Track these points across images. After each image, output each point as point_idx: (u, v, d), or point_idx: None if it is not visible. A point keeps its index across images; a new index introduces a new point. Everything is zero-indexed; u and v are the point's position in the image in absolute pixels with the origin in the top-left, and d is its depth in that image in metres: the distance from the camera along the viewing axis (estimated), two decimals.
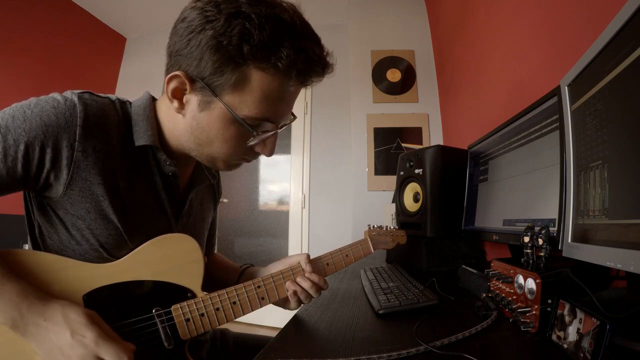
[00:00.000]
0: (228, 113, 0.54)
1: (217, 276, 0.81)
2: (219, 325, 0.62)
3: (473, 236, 1.07)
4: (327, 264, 0.70)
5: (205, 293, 0.61)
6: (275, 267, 0.71)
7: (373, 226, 0.81)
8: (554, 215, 0.64)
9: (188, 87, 0.54)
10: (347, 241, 0.77)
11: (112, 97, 0.61)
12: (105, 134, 0.55)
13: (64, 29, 2.79)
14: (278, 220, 2.94)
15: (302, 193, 2.83)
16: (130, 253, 0.58)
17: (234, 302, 0.62)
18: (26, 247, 0.60)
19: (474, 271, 0.80)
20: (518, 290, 0.56)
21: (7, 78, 2.42)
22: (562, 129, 0.62)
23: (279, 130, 0.60)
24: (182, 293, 0.60)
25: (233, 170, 0.66)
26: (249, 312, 0.64)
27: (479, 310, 0.61)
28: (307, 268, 0.67)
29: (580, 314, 0.42)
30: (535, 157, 0.75)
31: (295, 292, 0.65)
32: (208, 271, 0.65)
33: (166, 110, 0.61)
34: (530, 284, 0.52)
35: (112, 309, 0.55)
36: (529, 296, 0.53)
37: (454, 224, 1.12)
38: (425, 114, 2.42)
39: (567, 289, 0.50)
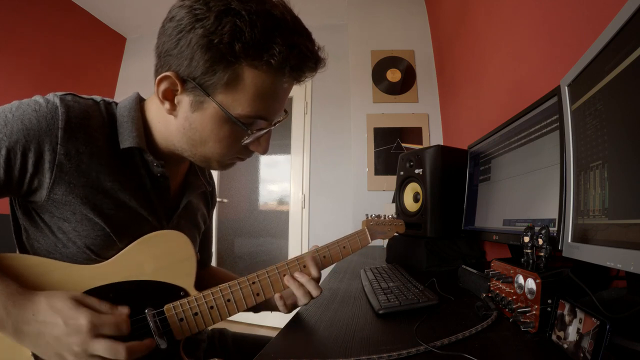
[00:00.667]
0: (221, 112, 0.54)
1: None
2: (214, 323, 0.61)
3: (473, 236, 1.07)
4: (324, 257, 0.69)
5: (198, 292, 0.61)
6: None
7: (371, 216, 0.80)
8: (554, 215, 0.64)
9: (179, 87, 0.53)
10: None
11: (97, 98, 0.60)
12: (89, 136, 0.54)
13: (64, 29, 2.79)
14: (278, 220, 2.93)
15: (302, 193, 2.83)
16: (119, 253, 0.57)
17: (229, 300, 0.61)
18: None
19: (474, 271, 0.80)
20: (518, 290, 0.56)
21: (7, 78, 2.42)
22: (562, 129, 0.62)
23: (272, 128, 0.60)
24: (174, 292, 0.59)
25: (228, 170, 0.65)
26: (244, 309, 0.63)
27: (479, 310, 0.61)
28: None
29: (580, 314, 0.42)
30: (535, 157, 0.75)
31: (300, 286, 0.64)
32: (203, 282, 0.63)
33: (156, 112, 0.60)
34: (530, 284, 0.52)
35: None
36: (529, 296, 0.53)
37: (454, 224, 1.12)
38: (425, 114, 2.42)
39: (567, 289, 0.50)
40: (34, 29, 2.57)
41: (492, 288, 0.65)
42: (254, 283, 0.63)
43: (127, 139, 0.57)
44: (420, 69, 2.49)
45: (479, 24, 1.54)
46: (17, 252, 0.58)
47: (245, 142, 0.58)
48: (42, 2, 2.61)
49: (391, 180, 2.33)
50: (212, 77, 0.51)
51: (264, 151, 0.62)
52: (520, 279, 0.55)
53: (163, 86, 0.53)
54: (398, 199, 1.28)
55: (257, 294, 0.63)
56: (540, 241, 0.55)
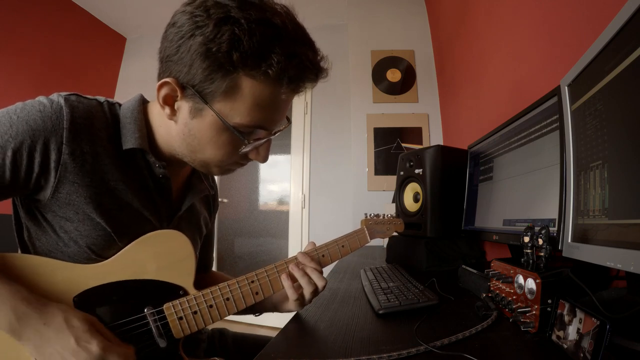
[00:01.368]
0: (219, 121, 0.53)
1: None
2: (213, 322, 0.61)
3: (473, 236, 1.07)
4: (323, 256, 0.69)
5: (197, 290, 0.61)
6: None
7: (370, 215, 0.80)
8: (554, 215, 0.64)
9: (179, 94, 0.53)
10: None
11: (101, 98, 0.60)
12: (93, 136, 0.54)
13: (64, 29, 2.79)
14: (278, 220, 2.93)
15: (302, 193, 2.83)
16: (119, 252, 0.57)
17: (228, 299, 0.62)
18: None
19: (474, 271, 0.80)
20: (518, 290, 0.56)
21: (7, 78, 2.41)
22: (562, 129, 0.62)
23: (272, 137, 0.59)
24: (174, 291, 0.60)
25: (228, 175, 0.65)
26: (243, 308, 0.63)
27: (479, 310, 0.61)
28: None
29: (580, 314, 0.42)
30: (535, 157, 0.75)
31: (297, 284, 0.63)
32: (204, 286, 0.64)
33: (158, 116, 0.61)
34: (530, 284, 0.52)
35: (103, 309, 0.55)
36: (529, 296, 0.53)
37: (454, 224, 1.12)
38: (425, 114, 2.42)
39: (567, 289, 0.50)
40: (34, 29, 2.56)
41: (492, 288, 0.65)
42: (253, 282, 0.63)
43: (129, 140, 0.58)
44: (420, 69, 2.49)
45: (479, 24, 1.54)
46: (19, 251, 0.59)
47: (243, 150, 0.58)
48: (42, 2, 2.61)
49: (391, 180, 2.33)
50: (211, 85, 0.51)
51: (264, 160, 0.62)
52: (520, 279, 0.55)
53: (163, 92, 0.53)
54: (398, 199, 1.28)
55: (256, 293, 0.64)
56: (540, 241, 0.55)
